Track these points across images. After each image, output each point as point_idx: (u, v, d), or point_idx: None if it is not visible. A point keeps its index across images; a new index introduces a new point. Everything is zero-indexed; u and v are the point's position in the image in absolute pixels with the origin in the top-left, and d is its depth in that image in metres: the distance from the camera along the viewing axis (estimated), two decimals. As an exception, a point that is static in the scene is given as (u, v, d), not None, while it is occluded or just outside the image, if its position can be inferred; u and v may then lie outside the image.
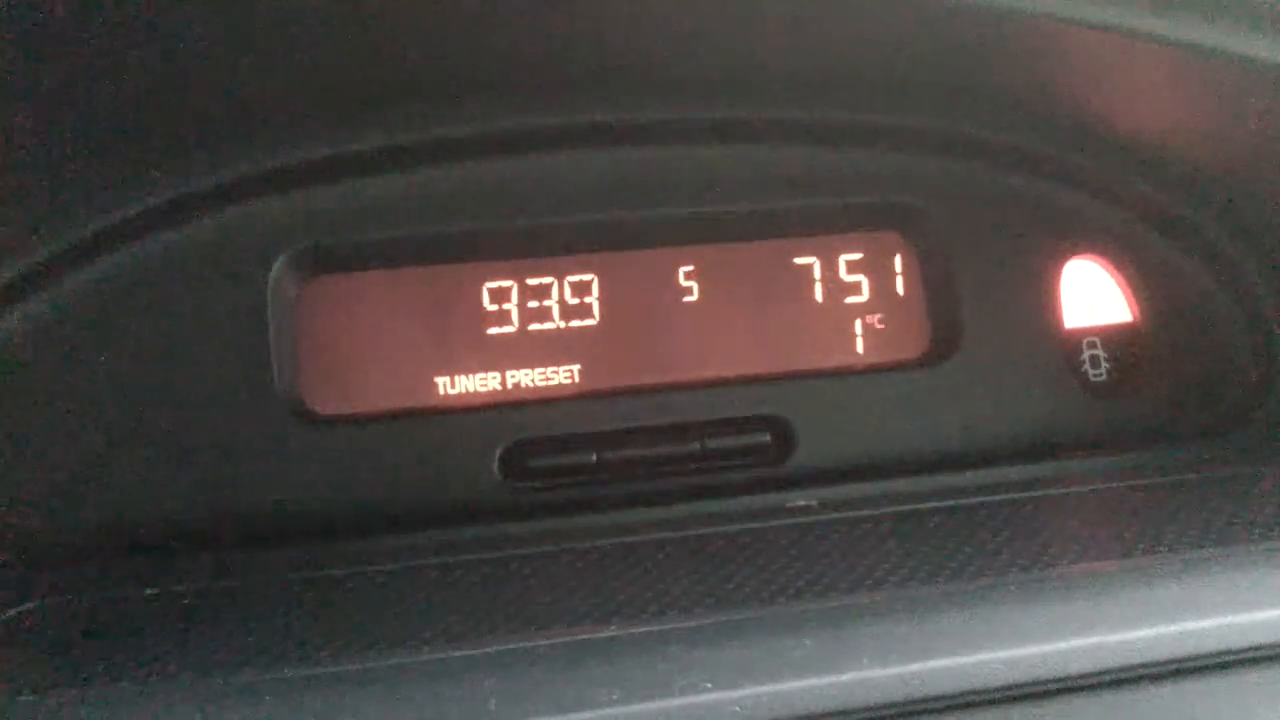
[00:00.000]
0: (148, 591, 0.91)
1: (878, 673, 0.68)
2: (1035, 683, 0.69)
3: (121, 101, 0.89)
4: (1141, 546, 0.85)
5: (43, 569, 0.96)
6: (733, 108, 1.09)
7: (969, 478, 1.08)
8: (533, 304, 1.10)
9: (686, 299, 1.12)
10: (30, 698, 0.72)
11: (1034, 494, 1.02)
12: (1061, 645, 0.70)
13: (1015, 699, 0.69)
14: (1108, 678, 0.70)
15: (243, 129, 1.00)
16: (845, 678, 0.68)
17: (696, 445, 1.08)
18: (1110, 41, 0.88)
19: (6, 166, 0.90)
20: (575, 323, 1.11)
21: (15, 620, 0.87)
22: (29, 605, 0.89)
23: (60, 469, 0.99)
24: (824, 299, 1.14)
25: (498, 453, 1.05)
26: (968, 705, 0.68)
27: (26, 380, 0.99)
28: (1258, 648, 0.72)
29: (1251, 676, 0.72)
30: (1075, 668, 0.69)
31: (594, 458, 1.06)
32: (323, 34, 0.87)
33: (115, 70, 0.84)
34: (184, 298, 1.02)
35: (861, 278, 1.15)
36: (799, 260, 1.14)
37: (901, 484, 1.08)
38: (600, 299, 1.11)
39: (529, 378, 1.10)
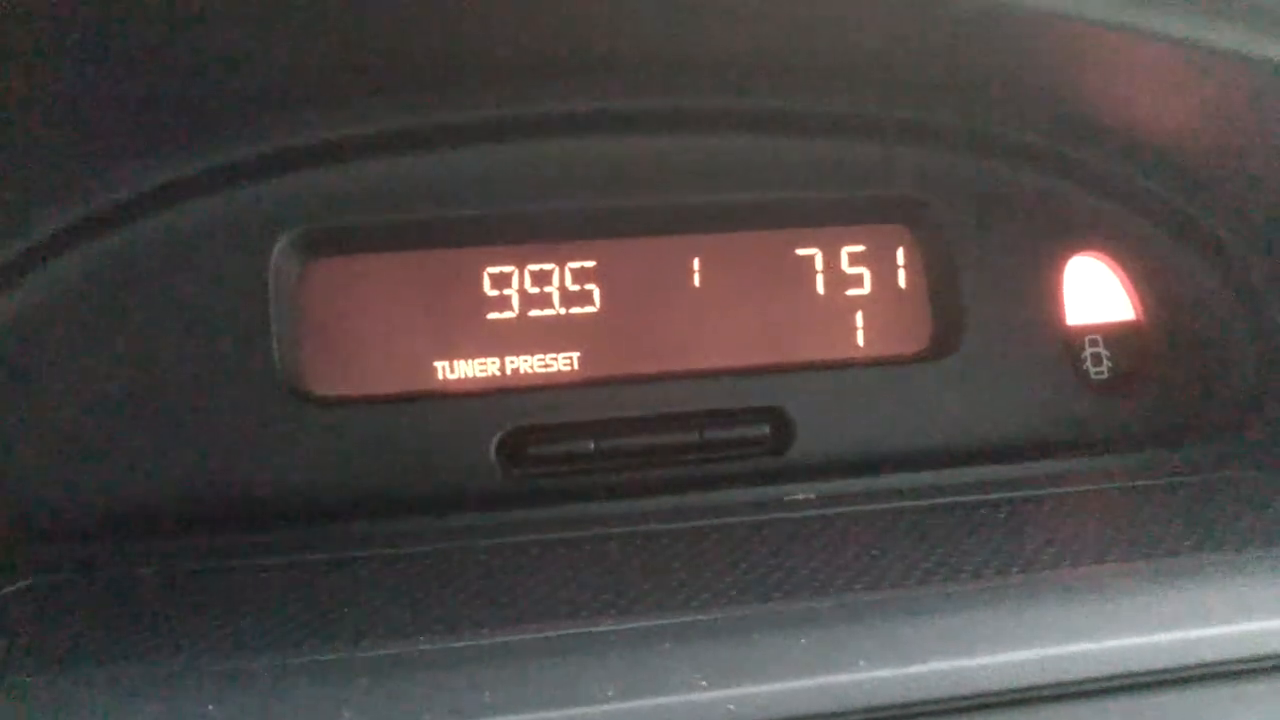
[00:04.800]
0: (144, 571, 0.91)
1: (874, 674, 0.68)
2: (1032, 688, 0.69)
3: (121, 84, 0.89)
4: (1143, 549, 0.85)
5: (40, 547, 0.96)
6: (738, 98, 1.08)
7: (968, 474, 1.07)
8: (533, 290, 1.09)
9: (688, 288, 1.12)
10: (23, 678, 0.72)
11: (1034, 493, 1.01)
12: (1060, 650, 0.69)
13: (1012, 704, 0.69)
14: (1107, 684, 0.69)
15: (245, 111, 0.99)
16: (841, 679, 0.68)
17: (695, 435, 1.07)
18: (1117, 39, 0.88)
19: (6, 147, 0.89)
20: (576, 309, 1.10)
21: (10, 599, 0.86)
22: (24, 584, 0.89)
23: (59, 448, 0.99)
24: (826, 291, 1.14)
25: (496, 439, 1.05)
26: (965, 709, 0.68)
27: (26, 360, 0.99)
28: (1260, 657, 0.71)
29: (1253, 686, 0.72)
30: (1074, 673, 0.69)
31: (592, 446, 1.06)
32: (326, 16, 0.86)
33: (115, 52, 0.84)
34: (185, 278, 1.01)
35: (864, 270, 1.14)
36: (801, 251, 1.14)
37: (900, 479, 1.07)
38: (601, 286, 1.10)
39: (528, 364, 1.09)
